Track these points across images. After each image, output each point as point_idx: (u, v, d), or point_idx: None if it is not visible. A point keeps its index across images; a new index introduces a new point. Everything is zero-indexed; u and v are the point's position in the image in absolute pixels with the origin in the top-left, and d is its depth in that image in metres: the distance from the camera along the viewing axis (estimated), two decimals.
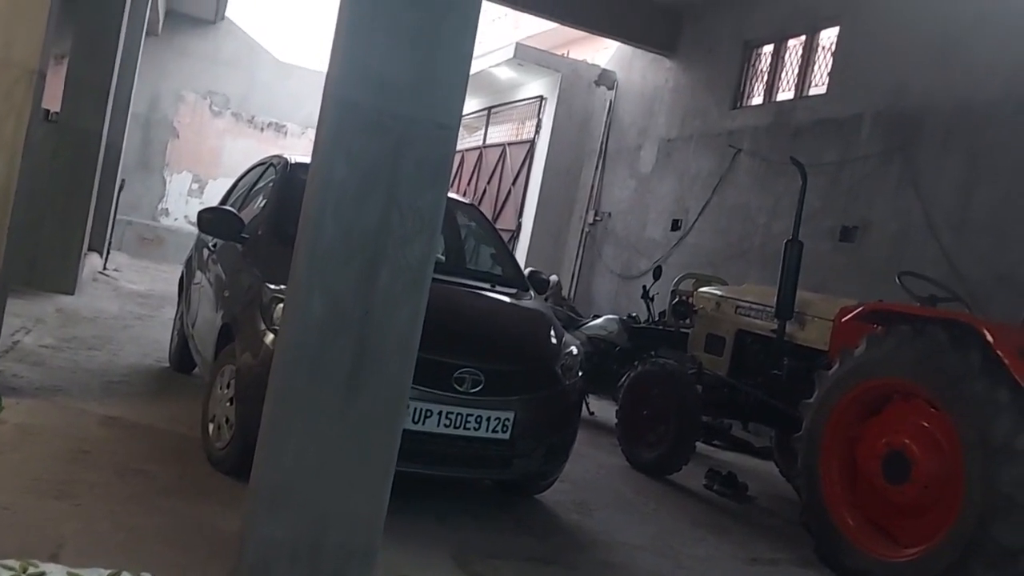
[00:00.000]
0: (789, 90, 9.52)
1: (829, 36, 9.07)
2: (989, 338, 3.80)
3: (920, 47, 7.60)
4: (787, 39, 9.63)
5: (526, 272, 5.74)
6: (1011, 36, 6.71)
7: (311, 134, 16.68)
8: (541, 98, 13.94)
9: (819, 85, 9.07)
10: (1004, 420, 3.68)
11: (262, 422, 3.05)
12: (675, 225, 10.70)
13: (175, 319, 6.71)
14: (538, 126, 13.88)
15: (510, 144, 14.82)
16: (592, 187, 12.81)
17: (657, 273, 7.73)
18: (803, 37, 9.38)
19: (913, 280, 5.06)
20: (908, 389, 4.22)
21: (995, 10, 6.91)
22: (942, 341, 4.00)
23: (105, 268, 11.88)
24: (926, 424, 4.12)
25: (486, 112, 16.08)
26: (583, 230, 12.83)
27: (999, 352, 3.74)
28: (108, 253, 12.28)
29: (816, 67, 9.21)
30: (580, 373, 4.75)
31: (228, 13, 16.84)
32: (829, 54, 8.99)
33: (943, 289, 5.02)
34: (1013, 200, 6.54)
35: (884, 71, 7.97)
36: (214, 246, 5.56)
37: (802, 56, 9.38)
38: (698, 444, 6.00)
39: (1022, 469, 3.66)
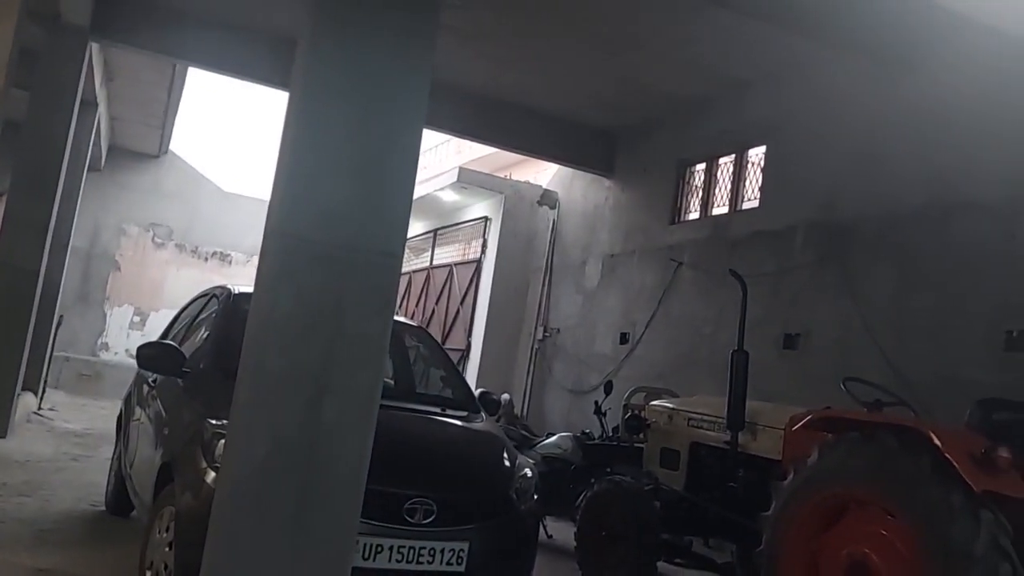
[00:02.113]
0: (724, 205, 9.85)
1: (757, 153, 9.47)
2: (938, 443, 3.82)
3: (844, 160, 7.97)
4: (718, 157, 10.03)
5: (477, 393, 5.68)
6: (929, 146, 7.07)
7: (256, 261, 16.50)
8: (486, 219, 14.20)
9: (752, 199, 9.41)
10: (961, 527, 3.66)
11: (203, 566, 2.89)
12: (623, 338, 10.78)
13: (112, 459, 6.44)
14: (484, 246, 14.08)
15: (457, 264, 14.97)
16: (540, 304, 12.93)
17: (608, 388, 7.72)
18: (733, 156, 9.78)
19: (858, 385, 5.11)
20: (863, 497, 4.20)
21: (912, 123, 7.31)
22: (892, 448, 4.00)
23: (40, 408, 11.44)
24: (884, 532, 4.08)
25: (432, 234, 16.29)
26: (533, 347, 12.84)
27: (949, 456, 3.76)
28: (44, 392, 11.86)
29: (747, 183, 9.58)
30: (535, 496, 4.63)
31: (172, 146, 17.01)
32: (759, 170, 9.37)
33: (888, 393, 5.07)
34: (947, 302, 6.74)
35: (812, 184, 8.31)
36: (154, 381, 5.40)
37: (733, 173, 9.76)
38: (660, 563, 5.85)
39: None
